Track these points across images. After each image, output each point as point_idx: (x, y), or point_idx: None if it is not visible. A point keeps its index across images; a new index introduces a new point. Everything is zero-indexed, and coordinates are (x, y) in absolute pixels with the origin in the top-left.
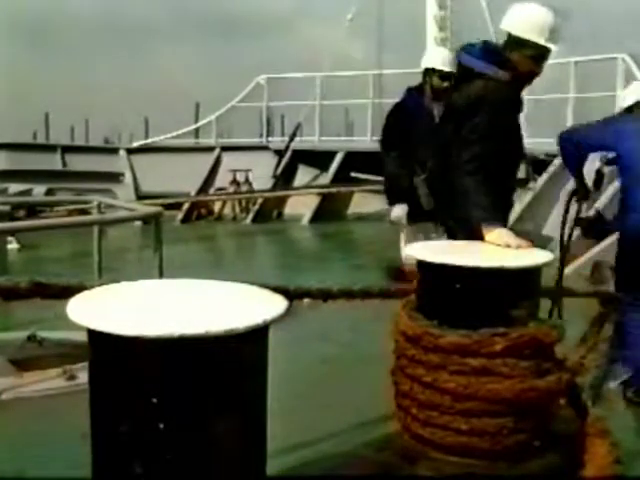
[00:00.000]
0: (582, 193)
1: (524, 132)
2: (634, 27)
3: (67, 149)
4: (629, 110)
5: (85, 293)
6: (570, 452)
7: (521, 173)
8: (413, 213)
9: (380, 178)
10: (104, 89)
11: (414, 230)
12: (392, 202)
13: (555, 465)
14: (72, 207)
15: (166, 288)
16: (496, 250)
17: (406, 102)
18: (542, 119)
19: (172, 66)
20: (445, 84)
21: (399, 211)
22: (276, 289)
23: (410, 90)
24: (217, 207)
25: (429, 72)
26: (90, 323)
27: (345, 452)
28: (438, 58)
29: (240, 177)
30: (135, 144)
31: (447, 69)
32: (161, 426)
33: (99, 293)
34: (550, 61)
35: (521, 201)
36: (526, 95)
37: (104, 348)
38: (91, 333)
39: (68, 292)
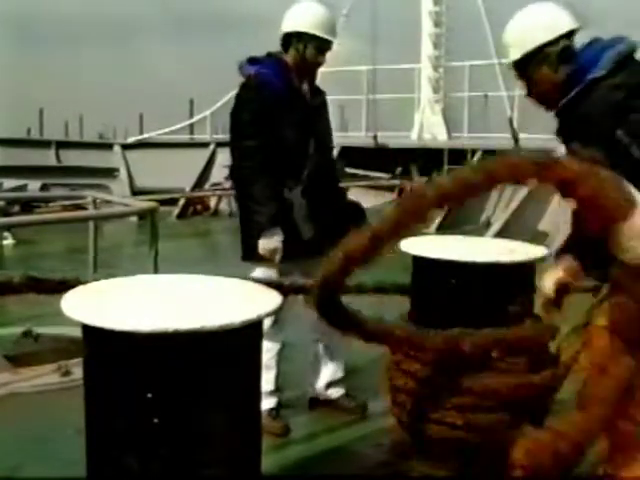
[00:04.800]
0: None
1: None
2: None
3: (61, 145)
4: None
5: (80, 288)
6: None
7: None
8: (288, 245)
9: (377, 174)
10: (98, 85)
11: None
12: (261, 228)
13: None
14: (67, 202)
15: (161, 283)
16: (489, 245)
17: (268, 77)
18: (535, 115)
19: (166, 62)
20: (322, 59)
21: (274, 241)
22: (270, 284)
23: (272, 58)
24: (213, 203)
25: (301, 38)
26: (85, 318)
27: (340, 447)
28: (315, 19)
29: None
30: (130, 140)
31: (328, 37)
32: (156, 421)
33: (94, 288)
34: None
35: (516, 197)
36: (519, 91)
37: (99, 343)
38: (86, 328)
39: (63, 287)
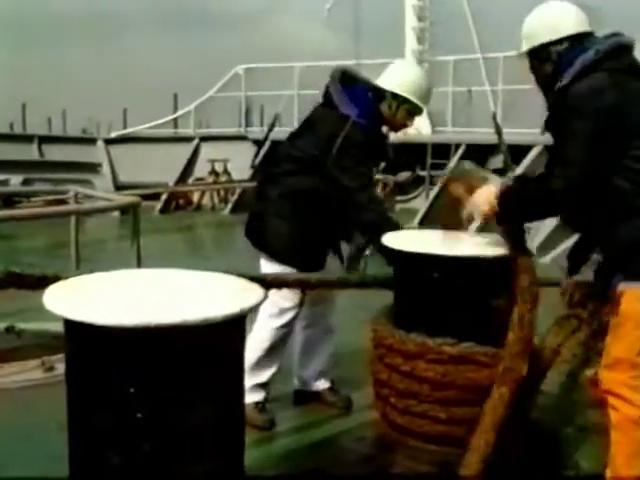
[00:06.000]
0: None
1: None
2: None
3: (44, 139)
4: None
5: (61, 283)
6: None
7: (499, 163)
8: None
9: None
10: (82, 80)
11: None
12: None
13: (534, 454)
14: (49, 197)
15: (143, 278)
16: (472, 239)
17: (365, 130)
18: (522, 110)
19: (150, 57)
20: (410, 121)
21: None
22: (253, 279)
23: (373, 107)
24: (196, 197)
25: (397, 97)
26: (66, 313)
27: (324, 441)
28: (415, 85)
29: (219, 167)
30: (113, 134)
31: (423, 105)
32: (139, 415)
33: (76, 283)
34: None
35: None
36: (506, 86)
37: (81, 338)
38: (67, 323)
39: (45, 283)
